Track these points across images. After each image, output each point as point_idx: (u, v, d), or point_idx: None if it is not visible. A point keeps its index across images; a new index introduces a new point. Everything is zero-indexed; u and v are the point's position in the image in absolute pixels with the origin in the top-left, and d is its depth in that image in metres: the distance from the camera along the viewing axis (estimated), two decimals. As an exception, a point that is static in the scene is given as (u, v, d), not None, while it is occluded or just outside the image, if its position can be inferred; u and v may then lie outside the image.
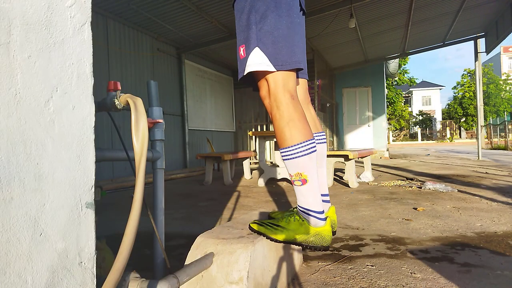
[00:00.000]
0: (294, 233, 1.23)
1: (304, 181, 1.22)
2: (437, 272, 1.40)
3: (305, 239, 1.22)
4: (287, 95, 1.24)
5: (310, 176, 1.21)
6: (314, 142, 1.24)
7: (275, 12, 1.22)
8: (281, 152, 1.25)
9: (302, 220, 1.24)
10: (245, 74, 1.27)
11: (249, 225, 1.30)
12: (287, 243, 1.25)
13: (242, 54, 1.27)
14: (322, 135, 1.51)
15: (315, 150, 1.24)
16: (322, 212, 1.24)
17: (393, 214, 2.54)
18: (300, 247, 1.34)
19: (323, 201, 1.44)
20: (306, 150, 1.21)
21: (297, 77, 1.48)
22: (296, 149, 1.21)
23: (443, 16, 7.03)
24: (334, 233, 1.48)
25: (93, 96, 0.76)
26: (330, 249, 1.77)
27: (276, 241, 1.23)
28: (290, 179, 1.27)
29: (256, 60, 1.23)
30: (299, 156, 1.21)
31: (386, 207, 2.83)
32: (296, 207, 1.30)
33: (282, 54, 1.23)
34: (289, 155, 1.22)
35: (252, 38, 1.23)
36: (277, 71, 1.23)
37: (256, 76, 1.32)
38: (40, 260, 0.63)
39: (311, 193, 1.22)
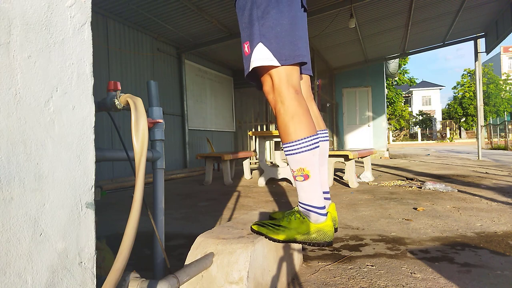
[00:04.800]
0: (295, 232, 1.23)
1: (306, 177, 1.22)
2: (437, 272, 1.40)
3: (308, 237, 1.22)
4: (291, 90, 1.24)
5: (312, 171, 1.22)
6: (317, 138, 1.25)
7: (276, 7, 1.23)
8: (284, 147, 1.26)
9: (303, 217, 1.24)
10: (250, 70, 1.27)
11: (251, 226, 1.30)
12: (290, 242, 1.24)
13: (247, 51, 1.28)
14: (325, 132, 1.52)
15: (318, 146, 1.25)
16: (323, 207, 1.25)
17: (393, 214, 2.54)
18: (301, 245, 1.34)
19: (324, 198, 1.44)
20: (310, 145, 1.21)
21: (300, 73, 1.48)
22: (299, 144, 1.21)
23: (443, 16, 7.03)
24: (335, 229, 1.48)
25: (93, 96, 0.76)
26: (330, 249, 1.77)
27: (278, 241, 1.23)
28: (292, 174, 1.27)
29: (260, 56, 1.23)
30: (302, 151, 1.21)
31: (386, 207, 2.83)
32: (296, 206, 1.30)
33: (286, 48, 1.23)
34: (292, 150, 1.22)
35: (255, 34, 1.23)
36: (281, 65, 1.23)
37: (260, 72, 1.32)
38: (40, 260, 0.63)
39: (313, 188, 1.22)
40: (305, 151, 1.21)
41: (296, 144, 1.21)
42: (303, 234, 1.23)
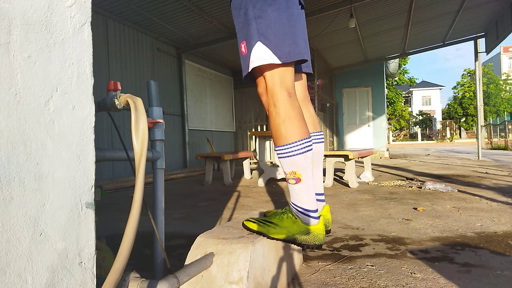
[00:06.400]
0: (286, 231, 1.23)
1: (298, 180, 1.21)
2: (437, 272, 1.40)
3: (298, 237, 1.22)
4: (284, 92, 1.23)
5: (304, 175, 1.21)
6: (310, 141, 1.23)
7: (273, 5, 1.21)
8: (276, 150, 1.25)
9: (295, 217, 1.23)
10: (250, 70, 1.26)
11: (243, 222, 1.29)
12: (280, 240, 1.24)
13: (244, 51, 1.26)
14: (320, 134, 1.51)
15: (311, 149, 1.24)
16: (316, 211, 1.24)
17: (393, 214, 2.54)
18: (297, 246, 1.34)
19: (318, 200, 1.44)
20: (302, 149, 1.20)
21: (301, 70, 1.47)
22: (291, 147, 1.20)
23: (443, 16, 7.03)
24: (328, 231, 1.48)
25: (93, 96, 0.76)
26: (330, 249, 1.77)
27: (269, 237, 1.23)
28: (284, 177, 1.27)
29: (260, 55, 1.21)
30: (294, 155, 1.20)
31: (386, 207, 2.83)
32: (289, 206, 1.30)
33: (285, 46, 1.21)
34: (284, 153, 1.22)
35: (253, 33, 1.22)
36: (282, 63, 1.22)
37: (255, 73, 1.31)
38: (40, 260, 0.63)
39: (305, 192, 1.22)
40: (297, 154, 1.20)
41: (288, 148, 1.20)
42: (293, 234, 1.22)
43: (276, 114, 1.22)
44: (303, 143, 1.21)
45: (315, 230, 1.22)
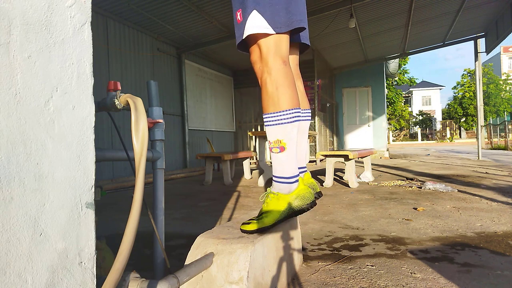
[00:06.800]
0: (277, 212, 1.23)
1: (282, 149, 1.22)
2: (437, 272, 1.40)
3: (290, 208, 1.23)
4: (279, 60, 1.23)
5: (289, 144, 1.22)
6: (299, 112, 1.24)
7: None
8: (265, 117, 1.25)
9: (277, 194, 1.24)
10: (244, 37, 1.26)
11: (240, 228, 1.29)
12: (278, 223, 1.24)
13: (239, 19, 1.26)
14: (308, 112, 1.53)
15: (299, 120, 1.25)
16: (297, 175, 1.25)
17: (393, 214, 2.54)
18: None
19: (301, 172, 1.46)
20: (291, 118, 1.21)
21: (299, 40, 1.47)
22: (281, 115, 1.21)
23: (443, 16, 7.03)
24: (320, 193, 1.50)
25: (93, 96, 0.76)
26: (330, 249, 1.77)
27: (269, 227, 1.23)
28: (268, 146, 1.27)
29: (255, 23, 1.21)
30: (283, 123, 1.21)
31: (386, 207, 2.83)
32: (268, 188, 1.31)
33: (280, 15, 1.21)
34: (273, 120, 1.22)
35: (249, 1, 1.22)
36: (276, 33, 1.22)
37: (249, 41, 1.30)
38: (40, 260, 0.63)
39: (288, 160, 1.23)
40: (286, 123, 1.20)
41: (278, 115, 1.21)
42: (285, 209, 1.23)
43: (270, 81, 1.22)
44: (293, 113, 1.21)
45: (300, 192, 1.23)
